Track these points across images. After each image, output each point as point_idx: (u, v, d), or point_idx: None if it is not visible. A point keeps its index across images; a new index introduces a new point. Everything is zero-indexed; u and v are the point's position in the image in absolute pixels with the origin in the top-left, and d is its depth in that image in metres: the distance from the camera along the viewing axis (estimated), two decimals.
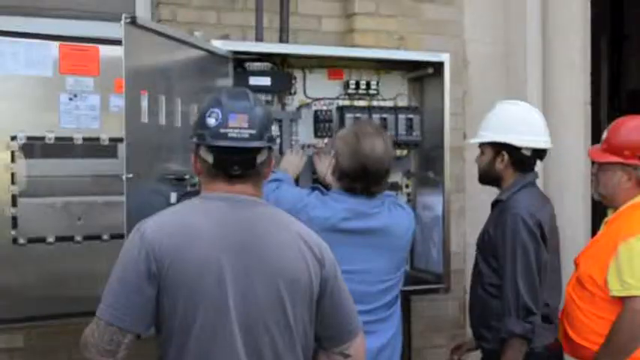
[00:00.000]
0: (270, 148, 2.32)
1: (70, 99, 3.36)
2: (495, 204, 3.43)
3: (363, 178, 3.02)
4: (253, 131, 2.24)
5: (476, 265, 3.48)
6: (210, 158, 2.25)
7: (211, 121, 2.24)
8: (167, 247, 2.14)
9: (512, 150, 3.36)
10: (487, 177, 3.49)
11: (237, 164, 2.25)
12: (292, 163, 3.58)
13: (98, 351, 2.15)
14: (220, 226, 2.21)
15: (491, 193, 3.48)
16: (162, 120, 3.02)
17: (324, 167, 3.47)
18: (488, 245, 3.37)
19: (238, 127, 2.23)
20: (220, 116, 2.23)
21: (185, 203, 2.41)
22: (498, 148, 3.39)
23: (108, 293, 2.17)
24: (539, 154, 3.44)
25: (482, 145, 3.48)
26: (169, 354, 2.19)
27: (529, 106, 3.64)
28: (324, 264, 2.30)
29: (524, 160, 3.39)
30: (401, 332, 3.18)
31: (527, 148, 3.36)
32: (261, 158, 2.28)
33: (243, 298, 2.17)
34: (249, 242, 2.21)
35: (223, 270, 2.16)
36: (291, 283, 2.22)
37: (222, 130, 2.23)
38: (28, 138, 3.28)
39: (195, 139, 2.28)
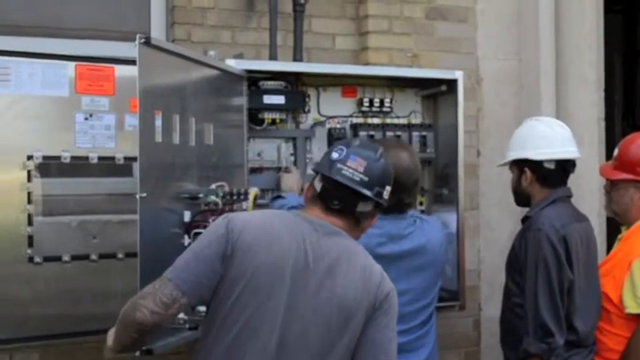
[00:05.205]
0: (377, 205, 2.41)
1: (86, 118, 3.39)
2: (525, 220, 3.39)
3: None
4: (366, 178, 2.36)
5: (506, 284, 3.44)
6: (319, 187, 2.38)
7: (334, 155, 2.39)
8: (245, 239, 2.27)
9: (534, 165, 3.33)
10: (518, 197, 3.46)
11: (338, 200, 2.36)
12: (293, 181, 3.60)
13: (154, 300, 2.22)
14: (297, 242, 2.30)
15: (506, 210, 3.46)
16: (177, 139, 3.03)
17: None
18: (514, 262, 3.33)
19: (354, 169, 2.35)
20: (344, 153, 2.38)
21: (276, 212, 2.68)
22: (521, 165, 3.37)
23: (180, 258, 2.30)
24: (565, 166, 3.38)
25: (511, 165, 3.46)
26: (207, 338, 2.30)
27: (552, 120, 3.60)
28: (377, 304, 2.33)
29: (548, 174, 3.34)
30: (437, 347, 3.18)
31: (548, 161, 3.32)
32: (363, 207, 2.39)
33: (291, 313, 2.25)
34: (317, 264, 2.29)
35: (284, 282, 2.25)
36: (344, 314, 2.28)
37: (339, 165, 2.36)
38: (45, 157, 3.29)
39: (314, 168, 2.45)
